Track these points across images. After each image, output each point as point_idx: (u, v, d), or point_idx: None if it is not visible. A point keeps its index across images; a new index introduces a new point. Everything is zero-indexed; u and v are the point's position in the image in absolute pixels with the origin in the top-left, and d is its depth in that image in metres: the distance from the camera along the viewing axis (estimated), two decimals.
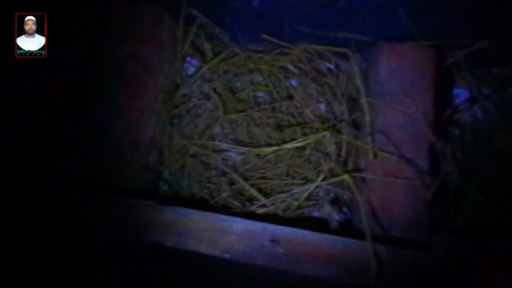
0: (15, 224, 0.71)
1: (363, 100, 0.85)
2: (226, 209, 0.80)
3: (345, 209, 0.94)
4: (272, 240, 0.66)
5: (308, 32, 0.93)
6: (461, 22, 0.85)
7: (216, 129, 1.00)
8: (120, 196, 0.72)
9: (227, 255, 0.65)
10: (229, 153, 0.99)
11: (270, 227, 0.67)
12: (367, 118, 0.83)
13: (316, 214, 0.92)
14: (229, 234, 0.67)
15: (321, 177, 0.81)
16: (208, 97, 1.00)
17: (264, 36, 0.96)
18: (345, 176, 0.79)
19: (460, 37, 0.86)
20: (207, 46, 1.00)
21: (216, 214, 0.68)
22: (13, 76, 0.72)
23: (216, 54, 1.03)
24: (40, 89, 0.81)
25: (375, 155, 0.79)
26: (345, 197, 0.90)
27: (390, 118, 0.82)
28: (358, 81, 0.88)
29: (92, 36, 0.87)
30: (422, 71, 0.85)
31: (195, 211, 0.68)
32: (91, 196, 0.73)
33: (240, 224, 0.67)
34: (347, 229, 0.84)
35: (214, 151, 0.97)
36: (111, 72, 0.87)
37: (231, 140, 1.00)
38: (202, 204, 0.87)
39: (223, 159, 0.97)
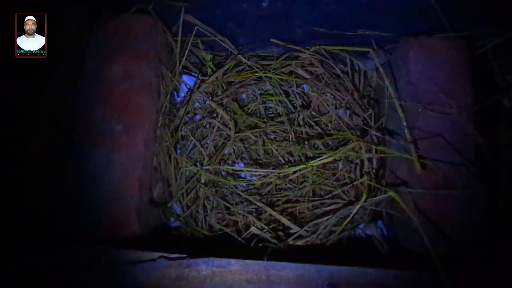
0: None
1: (396, 103, 0.76)
2: (263, 249, 0.68)
3: (379, 224, 0.85)
4: (331, 285, 0.55)
5: (322, 32, 0.83)
6: (489, 10, 0.77)
7: (227, 150, 0.87)
8: (134, 250, 0.59)
9: None
10: (244, 175, 0.88)
11: (326, 270, 0.56)
12: (404, 123, 0.74)
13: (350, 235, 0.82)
14: (278, 285, 0.55)
15: (364, 197, 0.70)
16: (214, 114, 0.88)
17: (273, 40, 0.85)
18: (392, 193, 0.69)
19: (490, 26, 0.78)
20: (207, 56, 0.87)
21: (258, 262, 0.57)
22: None
23: (217, 65, 0.91)
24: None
25: (423, 166, 0.69)
26: (383, 213, 0.80)
27: (430, 122, 0.73)
28: (387, 83, 0.78)
29: (80, 58, 0.72)
30: (456, 65, 0.76)
31: (233, 261, 0.56)
32: (95, 254, 0.59)
33: (289, 270, 0.56)
34: (396, 250, 0.74)
35: (229, 175, 0.85)
36: (102, 98, 0.72)
37: (245, 159, 0.88)
38: (230, 243, 0.74)
39: (240, 184, 0.85)
